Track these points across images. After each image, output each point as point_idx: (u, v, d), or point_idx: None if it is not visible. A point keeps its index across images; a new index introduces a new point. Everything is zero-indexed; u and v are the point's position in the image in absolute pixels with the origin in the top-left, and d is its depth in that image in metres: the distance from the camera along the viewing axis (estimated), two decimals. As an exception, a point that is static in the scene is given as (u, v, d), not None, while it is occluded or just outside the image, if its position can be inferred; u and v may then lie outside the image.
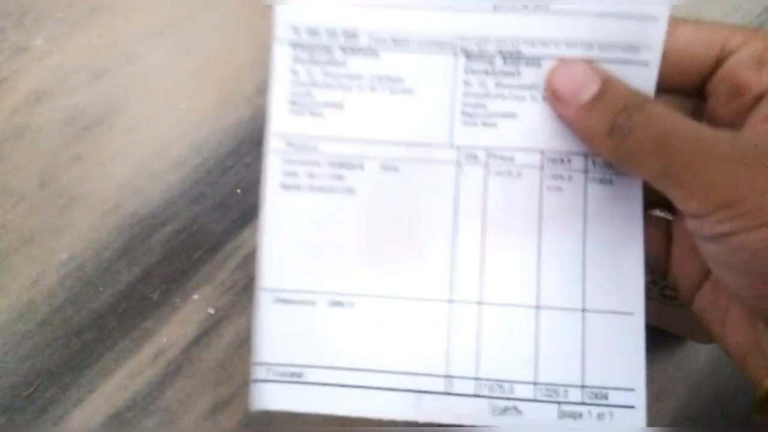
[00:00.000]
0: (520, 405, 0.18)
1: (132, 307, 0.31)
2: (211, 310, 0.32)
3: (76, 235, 0.32)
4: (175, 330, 0.31)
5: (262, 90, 0.36)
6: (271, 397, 0.18)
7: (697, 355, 0.33)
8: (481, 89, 0.18)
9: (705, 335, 0.31)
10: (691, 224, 0.16)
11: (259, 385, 0.18)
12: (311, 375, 0.18)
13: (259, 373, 0.18)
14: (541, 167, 0.18)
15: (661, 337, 0.32)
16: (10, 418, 0.30)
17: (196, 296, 0.32)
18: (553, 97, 0.18)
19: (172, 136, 0.34)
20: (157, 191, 0.33)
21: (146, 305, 0.31)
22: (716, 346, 0.33)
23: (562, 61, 0.18)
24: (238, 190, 0.33)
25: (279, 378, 0.18)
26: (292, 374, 0.18)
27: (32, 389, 0.30)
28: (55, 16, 0.36)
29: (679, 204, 0.16)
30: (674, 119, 0.16)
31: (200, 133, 0.34)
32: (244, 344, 0.31)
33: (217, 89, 0.35)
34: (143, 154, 0.34)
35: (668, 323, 0.31)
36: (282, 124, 0.19)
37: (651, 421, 0.32)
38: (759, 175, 0.15)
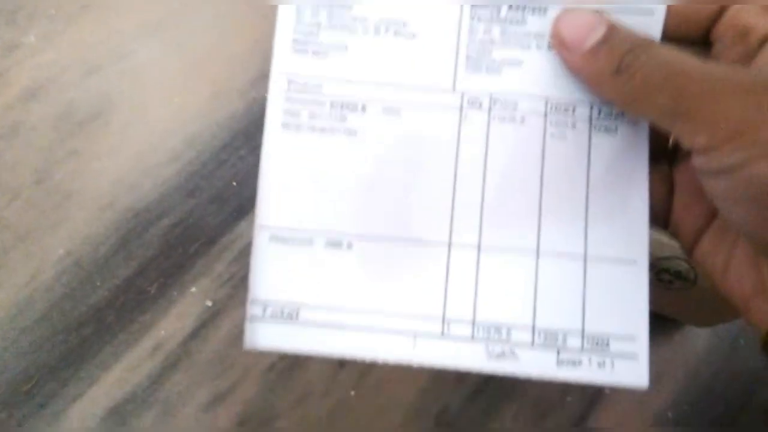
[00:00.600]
0: (518, 350, 0.18)
1: (130, 301, 0.31)
2: (209, 303, 0.32)
3: (73, 231, 0.32)
4: (173, 323, 0.31)
5: (255, 83, 0.36)
6: (266, 336, 0.18)
7: (695, 340, 0.33)
8: (486, 36, 0.19)
9: (701, 318, 0.31)
10: (699, 161, 0.16)
11: (253, 324, 0.18)
12: (306, 314, 0.18)
13: (254, 310, 0.18)
14: (545, 114, 0.18)
15: (658, 322, 0.32)
16: (11, 413, 0.30)
17: (193, 289, 0.32)
18: (559, 44, 0.18)
19: (166, 131, 0.34)
20: (153, 185, 0.33)
21: (144, 299, 0.32)
22: (714, 330, 0.33)
23: (568, 8, 0.18)
24: (234, 183, 0.34)
25: (274, 317, 0.18)
26: (288, 313, 0.18)
27: (32, 384, 0.30)
28: (48, 12, 0.36)
29: (688, 140, 0.16)
30: (681, 57, 0.16)
31: (194, 126, 0.34)
32: (241, 336, 0.31)
33: (210, 83, 0.35)
34: (138, 149, 0.34)
35: (665, 307, 0.31)
36: (285, 63, 0.19)
37: (651, 404, 0.32)
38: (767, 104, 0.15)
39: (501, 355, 0.18)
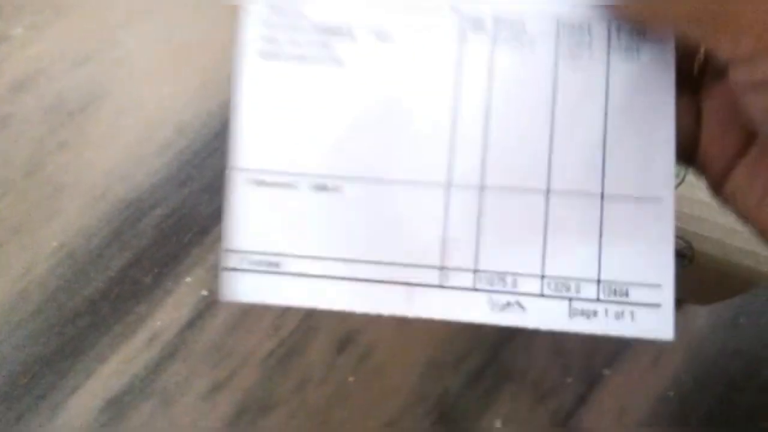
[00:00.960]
0: (525, 300, 0.16)
1: (125, 292, 0.31)
2: (205, 292, 0.32)
3: (66, 223, 0.32)
4: (169, 313, 0.31)
5: (246, 69, 0.35)
6: (245, 287, 0.17)
7: (695, 318, 0.33)
8: None
9: (703, 296, 0.31)
10: (741, 73, 0.14)
11: (230, 273, 0.17)
12: (290, 265, 0.16)
13: (230, 261, 0.17)
14: (557, 36, 0.16)
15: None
16: (9, 406, 0.30)
17: (188, 279, 0.32)
18: None
19: (157, 120, 0.34)
20: (145, 175, 0.33)
21: (139, 290, 0.31)
22: (714, 308, 0.33)
23: None
24: (226, 171, 0.33)
25: (254, 267, 0.16)
26: (269, 263, 0.16)
27: (30, 377, 0.30)
28: (35, 4, 0.36)
29: (728, 49, 0.14)
30: None
31: (185, 115, 0.34)
32: (239, 325, 0.31)
33: (200, 71, 0.35)
34: (129, 139, 0.34)
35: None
36: None
37: (652, 384, 0.32)
38: None
39: (506, 306, 0.16)
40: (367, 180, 0.17)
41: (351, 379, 0.31)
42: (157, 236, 0.32)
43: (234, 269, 0.17)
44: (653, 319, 0.16)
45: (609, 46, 0.16)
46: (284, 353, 0.31)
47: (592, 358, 0.32)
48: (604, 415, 0.31)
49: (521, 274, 0.16)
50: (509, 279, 0.16)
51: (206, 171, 0.33)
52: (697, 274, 0.28)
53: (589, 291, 0.16)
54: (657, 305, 0.16)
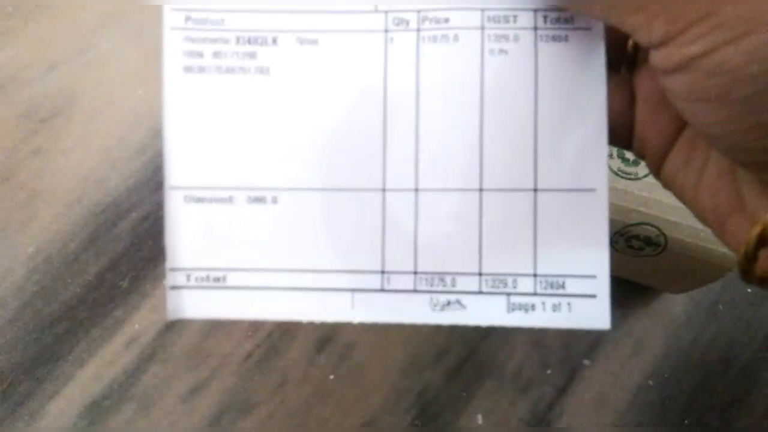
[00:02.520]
0: (464, 298, 0.16)
1: (102, 296, 0.31)
2: (182, 295, 0.32)
3: (41, 229, 0.32)
4: (146, 316, 0.31)
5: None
6: (191, 304, 0.17)
7: (673, 307, 0.33)
8: None
9: (675, 284, 0.31)
10: (658, 57, 0.14)
11: (176, 292, 0.17)
12: (234, 279, 0.17)
13: (175, 279, 0.17)
14: (482, 27, 0.16)
15: (635, 290, 0.32)
16: (-12, 414, 0.30)
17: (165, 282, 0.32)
18: None
19: (131, 123, 0.34)
20: (120, 179, 0.33)
21: (116, 294, 0.31)
22: (691, 296, 0.33)
23: None
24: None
25: (199, 284, 0.16)
26: (215, 279, 0.17)
27: (6, 384, 0.30)
28: (5, 9, 0.35)
29: (644, 34, 0.14)
30: None
31: (160, 118, 0.34)
32: (217, 326, 0.31)
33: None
34: (103, 143, 0.33)
35: (639, 275, 0.31)
36: None
37: (631, 373, 0.32)
38: None
39: (446, 305, 0.16)
40: (302, 189, 0.17)
41: (331, 377, 0.31)
42: (134, 240, 0.32)
43: (179, 287, 0.17)
44: (590, 309, 0.16)
45: (536, 35, 0.16)
46: (263, 354, 0.31)
47: (571, 349, 0.32)
48: (584, 405, 0.31)
49: (459, 273, 0.16)
50: (448, 279, 0.16)
51: (181, 173, 0.33)
52: (671, 262, 0.28)
53: (526, 285, 0.16)
54: (593, 296, 0.16)
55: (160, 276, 0.32)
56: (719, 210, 0.16)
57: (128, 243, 0.32)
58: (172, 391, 0.30)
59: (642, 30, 0.14)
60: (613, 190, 0.26)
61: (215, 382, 0.31)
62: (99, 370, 0.30)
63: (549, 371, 0.31)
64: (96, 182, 0.33)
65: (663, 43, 0.14)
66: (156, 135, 0.34)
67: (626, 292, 0.32)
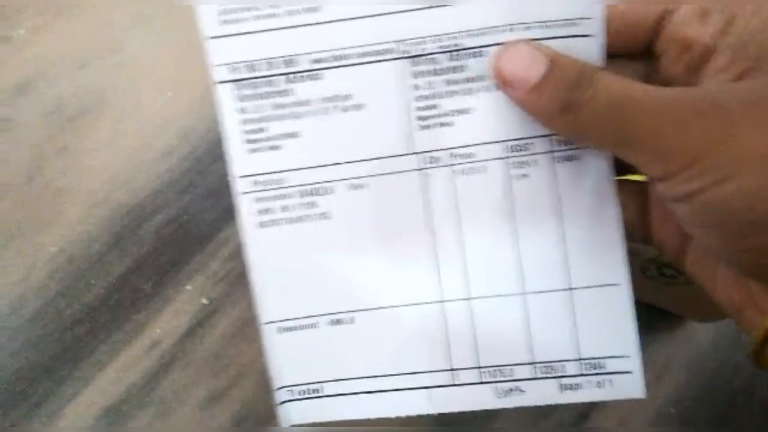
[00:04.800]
0: (522, 385, 0.19)
1: (124, 299, 0.31)
2: (205, 301, 0.31)
3: (65, 228, 0.32)
4: (168, 321, 0.31)
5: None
6: (298, 414, 0.20)
7: (698, 334, 0.32)
8: (431, 90, 0.18)
9: (704, 314, 0.31)
10: (659, 188, 0.16)
11: (285, 406, 0.20)
12: (328, 388, 0.20)
13: (282, 396, 0.20)
14: (505, 157, 0.19)
15: (661, 317, 0.32)
16: (5, 413, 0.29)
17: (188, 287, 0.31)
18: (503, 82, 0.17)
19: (159, 125, 0.34)
20: (146, 181, 0.33)
21: (139, 297, 0.31)
22: (716, 325, 0.33)
23: (505, 45, 0.17)
24: (228, 179, 0.33)
25: (301, 396, 0.20)
26: (313, 390, 0.20)
27: (27, 384, 0.30)
28: (37, 6, 0.35)
29: (644, 170, 0.16)
30: (625, 86, 0.16)
31: (188, 120, 0.34)
32: (238, 334, 0.31)
33: (203, 75, 0.34)
34: (130, 144, 0.33)
35: (667, 302, 0.31)
36: (245, 166, 0.19)
37: (653, 400, 0.32)
38: (715, 127, 0.14)
39: (509, 392, 0.19)
40: (372, 309, 0.20)
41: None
42: (158, 243, 0.32)
43: (286, 401, 0.20)
44: (627, 383, 0.19)
45: (552, 156, 0.19)
46: (284, 364, 0.31)
47: (594, 373, 0.31)
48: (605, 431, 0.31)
49: (516, 364, 0.19)
50: (507, 370, 0.19)
51: (209, 177, 0.33)
52: (700, 292, 0.28)
53: (573, 368, 0.19)
54: (629, 372, 0.19)
55: (183, 281, 0.32)
56: (734, 303, 0.18)
57: (152, 246, 0.32)
58: (191, 398, 0.30)
59: (643, 168, 0.16)
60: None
61: (234, 391, 0.30)
62: (119, 374, 0.30)
63: (570, 394, 0.31)
64: (122, 183, 0.33)
65: (662, 179, 0.15)
66: (183, 138, 0.34)
67: (652, 318, 0.32)
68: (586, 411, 0.31)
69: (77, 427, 0.29)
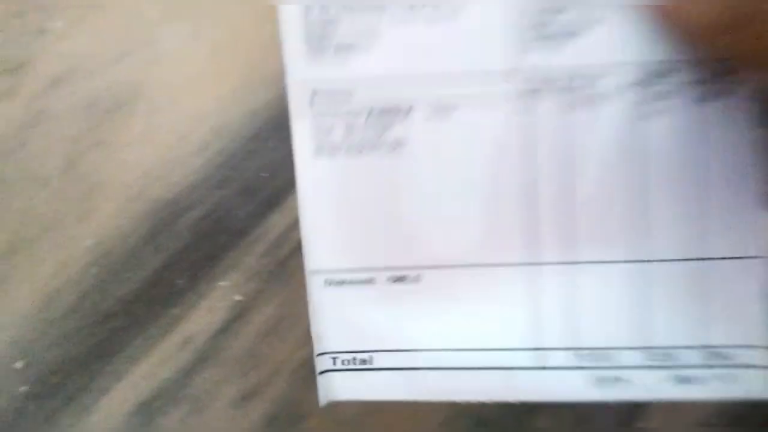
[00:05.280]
0: (628, 374, 0.16)
1: (159, 293, 0.31)
2: (239, 297, 0.31)
3: (101, 222, 0.32)
4: (202, 317, 0.31)
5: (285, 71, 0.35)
6: (341, 387, 0.17)
7: None
8: None
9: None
10: None
11: (326, 376, 0.17)
12: (381, 360, 0.16)
13: (324, 363, 0.17)
14: (634, 88, 0.15)
15: None
16: (40, 405, 0.29)
17: (223, 283, 0.31)
18: None
19: (194, 120, 0.33)
20: (181, 176, 0.32)
21: (173, 292, 0.31)
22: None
23: None
24: (263, 174, 0.33)
25: (345, 366, 0.17)
26: (361, 361, 0.16)
27: (60, 377, 0.30)
28: (73, -3, 0.35)
29: None
30: None
31: (223, 116, 0.34)
32: (272, 332, 0.31)
33: (239, 71, 0.34)
34: (165, 139, 0.33)
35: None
36: (302, 71, 0.16)
37: (693, 411, 0.31)
38: None
39: (610, 381, 0.16)
40: (444, 266, 0.16)
41: (385, 391, 0.30)
42: (193, 238, 0.31)
43: (328, 371, 0.17)
44: (758, 380, 0.15)
45: (692, 92, 0.15)
46: (318, 362, 0.30)
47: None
48: (645, 438, 0.30)
49: (623, 348, 0.16)
50: (612, 354, 0.16)
51: (244, 173, 0.33)
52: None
53: (694, 357, 0.16)
54: (762, 366, 0.15)
55: (217, 276, 0.31)
56: None
57: (187, 241, 0.31)
58: (223, 395, 0.30)
59: None
60: None
61: (267, 390, 0.30)
62: (152, 369, 0.30)
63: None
64: (157, 178, 0.32)
65: None
66: (218, 133, 0.33)
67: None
68: (628, 417, 0.30)
69: (110, 422, 0.29)
